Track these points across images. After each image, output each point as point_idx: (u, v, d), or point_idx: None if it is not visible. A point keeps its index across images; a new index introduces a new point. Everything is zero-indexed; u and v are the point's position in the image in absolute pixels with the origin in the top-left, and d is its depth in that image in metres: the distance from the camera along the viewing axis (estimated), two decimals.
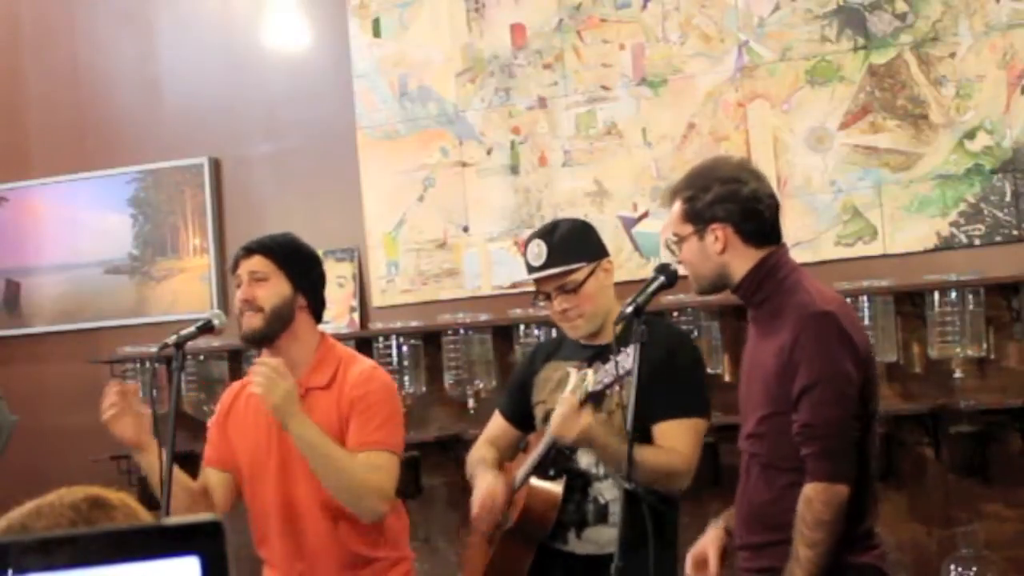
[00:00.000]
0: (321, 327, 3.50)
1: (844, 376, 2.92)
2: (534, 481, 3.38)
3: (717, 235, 3.03)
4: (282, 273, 3.38)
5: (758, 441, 3.04)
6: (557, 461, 3.39)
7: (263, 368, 3.21)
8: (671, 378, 3.15)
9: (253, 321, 3.35)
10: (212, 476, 3.48)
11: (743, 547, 3.12)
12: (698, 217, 3.05)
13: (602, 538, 3.32)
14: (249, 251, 3.42)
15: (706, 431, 3.38)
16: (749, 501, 3.07)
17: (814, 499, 2.88)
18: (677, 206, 3.09)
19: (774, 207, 3.08)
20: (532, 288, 3.49)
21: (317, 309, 3.47)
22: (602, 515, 3.36)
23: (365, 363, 3.47)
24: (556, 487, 3.37)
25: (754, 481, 3.06)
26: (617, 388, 3.11)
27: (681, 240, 3.08)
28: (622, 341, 3.04)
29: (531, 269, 3.46)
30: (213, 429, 3.53)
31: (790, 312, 2.97)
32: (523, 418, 3.54)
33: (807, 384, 2.91)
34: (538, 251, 3.42)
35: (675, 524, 3.41)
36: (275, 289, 3.36)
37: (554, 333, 4.93)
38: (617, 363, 3.05)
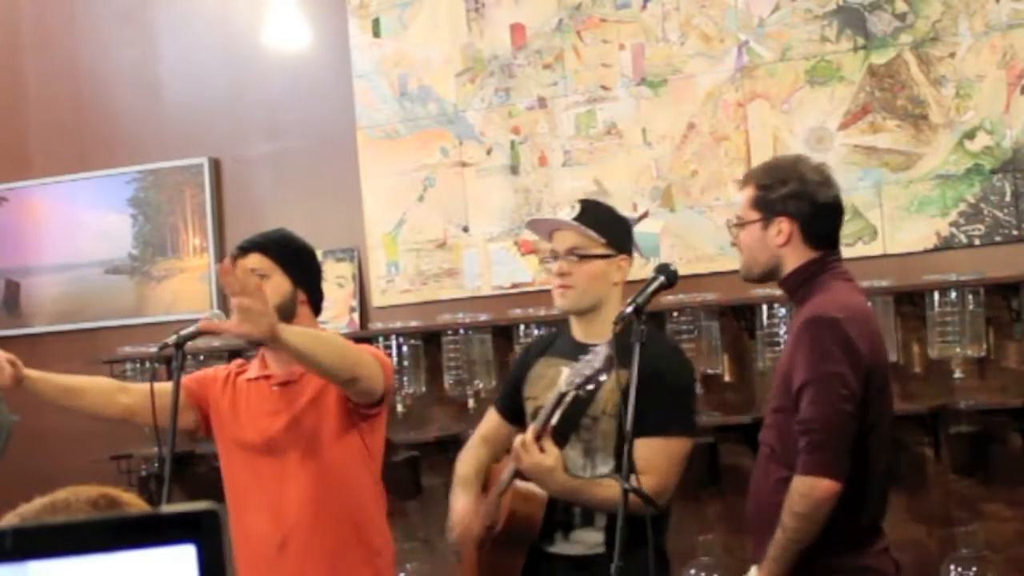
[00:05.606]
0: (321, 327, 3.50)
1: (836, 377, 2.99)
2: (518, 483, 3.31)
3: (781, 228, 3.13)
4: (281, 270, 3.38)
5: (767, 432, 3.16)
6: None
7: (243, 311, 2.94)
8: (655, 397, 3.06)
9: None
10: (163, 390, 3.38)
11: (751, 534, 3.21)
12: (768, 207, 3.14)
13: (589, 539, 3.29)
14: (245, 250, 3.41)
15: (689, 451, 3.30)
16: (753, 490, 3.19)
17: (793, 490, 2.97)
18: (749, 192, 3.18)
19: (840, 214, 3.23)
20: (547, 252, 3.47)
21: (317, 302, 3.48)
22: (588, 518, 3.31)
23: None
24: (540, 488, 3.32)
25: (759, 471, 3.17)
26: (598, 387, 3.08)
27: (744, 224, 3.17)
28: (621, 340, 3.02)
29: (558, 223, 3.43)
30: (208, 374, 3.57)
31: (804, 313, 3.08)
32: (518, 414, 3.49)
33: (803, 382, 3.00)
34: (572, 208, 3.42)
35: (664, 530, 3.35)
36: (276, 287, 3.36)
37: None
38: (589, 361, 3.04)
